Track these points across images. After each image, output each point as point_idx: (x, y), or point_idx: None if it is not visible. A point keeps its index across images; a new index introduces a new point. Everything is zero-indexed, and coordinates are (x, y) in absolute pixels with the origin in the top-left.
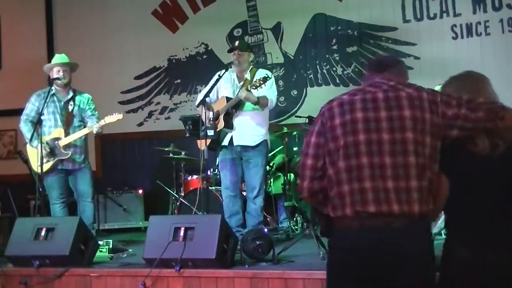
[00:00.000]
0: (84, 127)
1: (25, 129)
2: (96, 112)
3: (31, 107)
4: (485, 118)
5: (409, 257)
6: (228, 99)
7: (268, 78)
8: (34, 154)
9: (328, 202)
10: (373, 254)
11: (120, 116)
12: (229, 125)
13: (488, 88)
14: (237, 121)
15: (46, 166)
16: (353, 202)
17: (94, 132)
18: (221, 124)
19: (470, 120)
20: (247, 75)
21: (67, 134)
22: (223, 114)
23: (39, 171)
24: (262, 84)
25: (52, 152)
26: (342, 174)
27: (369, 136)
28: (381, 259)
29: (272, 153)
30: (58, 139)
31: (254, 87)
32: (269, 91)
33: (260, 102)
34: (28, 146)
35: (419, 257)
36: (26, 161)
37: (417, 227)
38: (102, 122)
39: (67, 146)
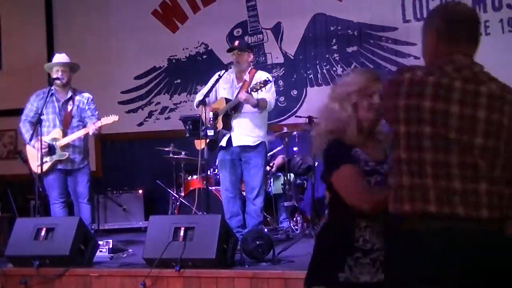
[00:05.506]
0: (84, 127)
1: (24, 130)
2: (97, 112)
3: (30, 107)
4: None
5: None
6: (227, 100)
7: (268, 82)
8: (33, 155)
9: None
10: None
11: (116, 118)
12: (227, 127)
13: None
14: (235, 122)
15: (45, 167)
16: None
17: (90, 133)
18: (219, 125)
19: None
20: (246, 76)
21: (65, 134)
22: (221, 116)
23: (39, 171)
24: (262, 87)
25: (51, 151)
26: None
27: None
28: None
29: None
30: (56, 139)
31: (254, 90)
32: (268, 93)
33: (260, 105)
34: (27, 146)
35: None
36: (26, 161)
37: None
38: (99, 123)
39: (65, 147)
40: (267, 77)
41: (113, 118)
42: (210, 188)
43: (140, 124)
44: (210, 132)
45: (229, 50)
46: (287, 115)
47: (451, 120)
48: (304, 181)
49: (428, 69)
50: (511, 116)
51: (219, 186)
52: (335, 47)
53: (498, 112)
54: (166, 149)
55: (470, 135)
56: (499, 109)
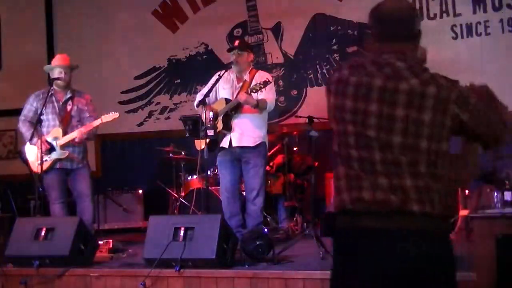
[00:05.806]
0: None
1: (24, 129)
2: (95, 113)
3: (29, 107)
4: None
5: None
6: (227, 101)
7: (268, 83)
8: (33, 153)
9: None
10: None
11: (116, 114)
12: (227, 127)
13: None
14: (235, 123)
15: (45, 165)
16: None
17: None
18: (219, 126)
19: None
20: (246, 76)
21: (65, 134)
22: (221, 116)
23: (38, 170)
24: (262, 88)
25: (51, 149)
26: None
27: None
28: None
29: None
30: (56, 138)
31: (254, 91)
32: (268, 94)
33: (260, 106)
34: (27, 145)
35: None
36: (26, 161)
37: None
38: (98, 122)
39: (65, 146)
40: (267, 78)
41: (113, 115)
42: (210, 188)
43: (140, 124)
44: (210, 132)
45: (229, 50)
46: (287, 115)
47: (370, 119)
48: (304, 181)
49: (353, 68)
50: (433, 110)
51: (219, 186)
52: (335, 47)
53: (417, 110)
54: (166, 149)
55: (388, 134)
56: (418, 106)
